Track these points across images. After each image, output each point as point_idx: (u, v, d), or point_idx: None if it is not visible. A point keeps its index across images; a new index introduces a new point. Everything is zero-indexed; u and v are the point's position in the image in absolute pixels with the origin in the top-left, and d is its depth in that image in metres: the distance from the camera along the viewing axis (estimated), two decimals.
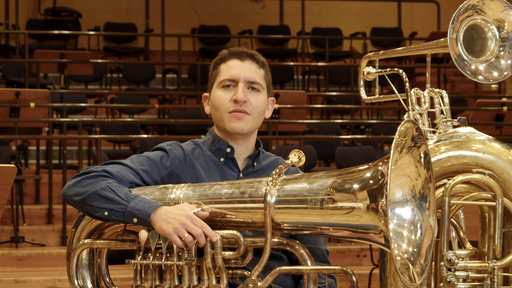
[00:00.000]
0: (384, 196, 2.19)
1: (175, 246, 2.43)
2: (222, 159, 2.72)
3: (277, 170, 2.44)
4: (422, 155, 2.30)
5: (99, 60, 12.11)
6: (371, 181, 2.26)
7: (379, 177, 2.24)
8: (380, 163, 2.26)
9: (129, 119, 10.61)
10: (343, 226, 2.32)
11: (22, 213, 8.09)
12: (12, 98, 8.95)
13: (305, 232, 2.42)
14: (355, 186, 2.28)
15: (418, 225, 2.29)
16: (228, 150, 2.71)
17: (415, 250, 2.26)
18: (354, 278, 2.41)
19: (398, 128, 2.22)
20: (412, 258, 2.25)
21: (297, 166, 2.53)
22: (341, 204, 2.30)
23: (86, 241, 2.59)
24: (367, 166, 2.30)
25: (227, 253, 2.44)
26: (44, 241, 7.83)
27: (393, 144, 2.20)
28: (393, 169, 2.25)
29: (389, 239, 2.18)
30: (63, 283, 6.83)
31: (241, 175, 2.71)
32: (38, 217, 8.30)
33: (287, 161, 2.50)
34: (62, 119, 9.52)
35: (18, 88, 9.45)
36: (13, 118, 8.79)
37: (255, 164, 2.73)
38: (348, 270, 2.42)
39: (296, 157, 2.50)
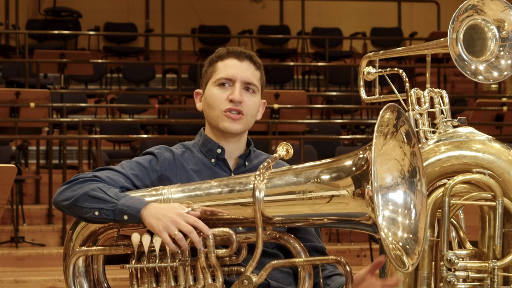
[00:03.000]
0: (370, 182, 2.19)
1: (167, 247, 2.42)
2: (213, 160, 2.70)
3: (265, 164, 2.42)
4: (404, 135, 2.29)
5: (99, 60, 12.11)
6: (354, 168, 2.26)
7: (363, 163, 2.24)
8: (363, 150, 2.26)
9: (129, 119, 10.61)
10: (332, 216, 2.32)
11: (22, 213, 8.09)
12: (12, 98, 8.95)
13: (297, 224, 2.42)
14: (340, 174, 2.28)
15: (411, 206, 2.28)
16: (219, 151, 2.69)
17: (410, 236, 2.26)
18: (348, 268, 2.38)
19: (379, 116, 2.22)
20: (407, 246, 2.24)
21: (285, 159, 2.51)
22: (327, 193, 2.30)
23: (82, 248, 2.56)
24: (351, 155, 2.30)
25: (221, 251, 2.43)
26: (44, 241, 7.83)
27: (375, 130, 2.20)
28: (380, 154, 2.25)
29: (378, 224, 2.17)
30: (63, 283, 6.81)
31: (232, 175, 2.68)
32: (38, 217, 8.30)
33: (274, 154, 2.49)
34: (62, 119, 9.52)
35: (18, 88, 9.44)
36: (13, 118, 8.79)
37: (246, 163, 2.72)
38: (342, 259, 2.39)
39: (283, 150, 2.48)
